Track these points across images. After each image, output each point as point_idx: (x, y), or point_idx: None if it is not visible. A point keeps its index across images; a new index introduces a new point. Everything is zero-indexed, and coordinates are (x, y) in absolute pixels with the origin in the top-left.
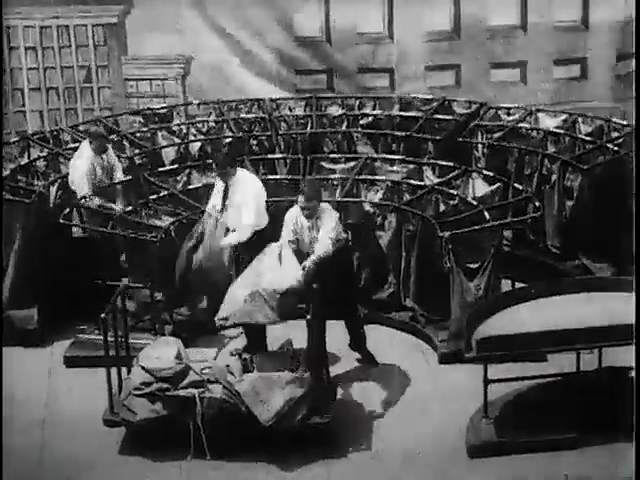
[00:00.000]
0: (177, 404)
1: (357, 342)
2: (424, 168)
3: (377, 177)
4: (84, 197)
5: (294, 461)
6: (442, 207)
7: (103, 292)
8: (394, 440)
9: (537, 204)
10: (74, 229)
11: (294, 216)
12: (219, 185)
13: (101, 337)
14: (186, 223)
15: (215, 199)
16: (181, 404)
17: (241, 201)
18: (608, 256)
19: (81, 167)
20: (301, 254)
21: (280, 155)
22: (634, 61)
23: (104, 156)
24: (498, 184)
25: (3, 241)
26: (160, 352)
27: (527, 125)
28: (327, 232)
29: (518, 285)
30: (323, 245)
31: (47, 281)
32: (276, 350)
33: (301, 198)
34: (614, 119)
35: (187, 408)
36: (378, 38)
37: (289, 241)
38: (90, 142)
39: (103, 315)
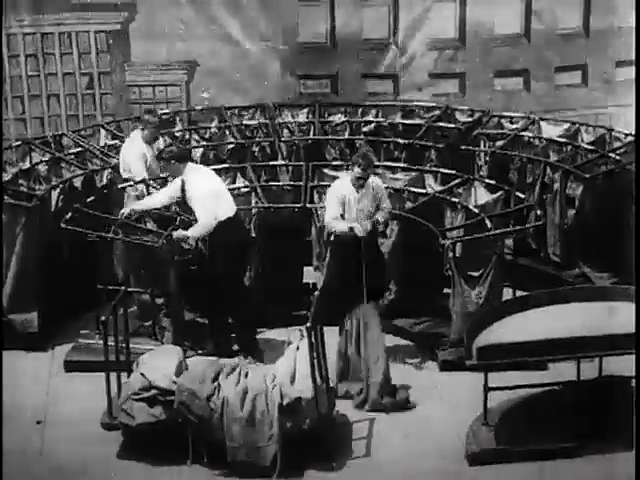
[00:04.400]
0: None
1: None
2: (426, 176)
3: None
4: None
5: (293, 469)
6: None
7: (104, 297)
8: (394, 447)
9: (539, 213)
10: None
11: (339, 190)
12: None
13: (102, 342)
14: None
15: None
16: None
17: (192, 200)
18: (609, 265)
19: (135, 152)
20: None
21: (282, 162)
22: (634, 68)
23: (154, 145)
24: (500, 192)
25: (4, 245)
26: (160, 362)
27: (530, 134)
28: (386, 199)
29: (519, 293)
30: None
31: (48, 285)
32: None
33: (357, 169)
34: (616, 128)
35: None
36: (383, 44)
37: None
38: (142, 130)
39: (103, 318)
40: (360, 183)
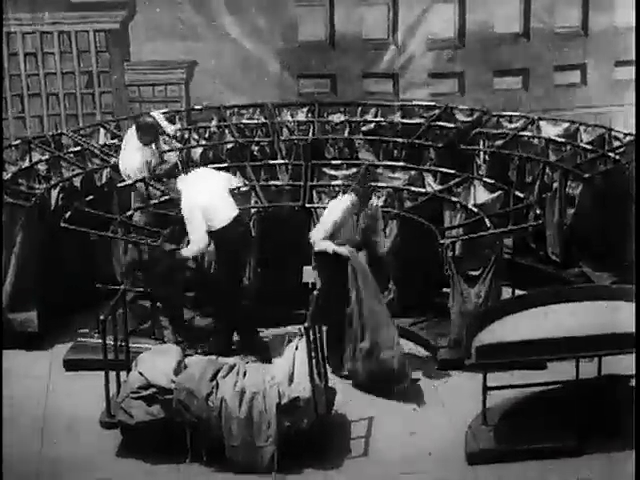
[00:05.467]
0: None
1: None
2: (425, 175)
3: (378, 184)
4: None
5: (290, 469)
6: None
7: (104, 296)
8: (392, 447)
9: (538, 212)
10: None
11: (338, 213)
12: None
13: (101, 341)
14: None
15: None
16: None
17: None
18: (609, 264)
19: (133, 161)
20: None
21: (281, 161)
22: (633, 67)
23: (153, 145)
24: (499, 192)
25: (3, 244)
26: (159, 361)
27: (529, 133)
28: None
29: (518, 293)
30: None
31: (47, 284)
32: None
33: (353, 196)
34: (616, 128)
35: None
36: (382, 44)
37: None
38: (136, 132)
39: (102, 317)
40: (356, 212)
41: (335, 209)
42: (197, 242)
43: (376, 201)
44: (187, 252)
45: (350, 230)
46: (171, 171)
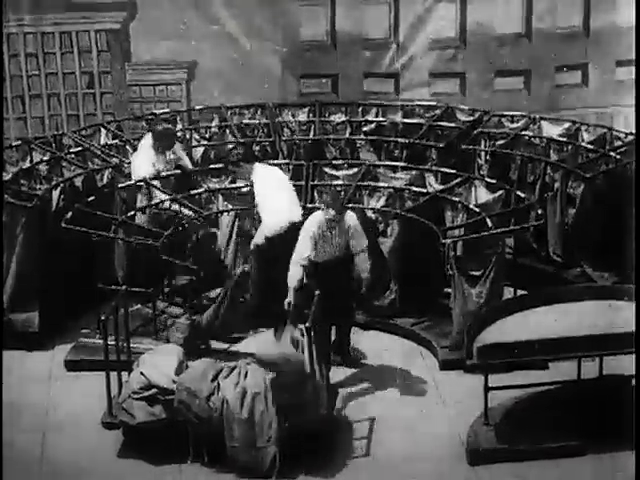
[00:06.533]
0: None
1: (342, 346)
2: (427, 175)
3: (380, 184)
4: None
5: (293, 469)
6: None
7: (105, 296)
8: (394, 447)
9: (539, 212)
10: None
11: (314, 228)
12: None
13: (102, 341)
14: (188, 228)
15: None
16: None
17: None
18: (610, 264)
19: (140, 169)
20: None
21: (283, 161)
22: (634, 67)
23: (168, 152)
24: (501, 191)
25: (4, 244)
26: (160, 361)
27: (530, 133)
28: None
29: (520, 293)
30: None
31: (49, 285)
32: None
33: (331, 211)
34: (616, 127)
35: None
36: (383, 44)
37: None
38: (153, 139)
39: (102, 317)
40: (333, 225)
41: (309, 226)
42: (268, 225)
43: (352, 218)
44: (258, 239)
45: (329, 243)
46: (248, 156)
